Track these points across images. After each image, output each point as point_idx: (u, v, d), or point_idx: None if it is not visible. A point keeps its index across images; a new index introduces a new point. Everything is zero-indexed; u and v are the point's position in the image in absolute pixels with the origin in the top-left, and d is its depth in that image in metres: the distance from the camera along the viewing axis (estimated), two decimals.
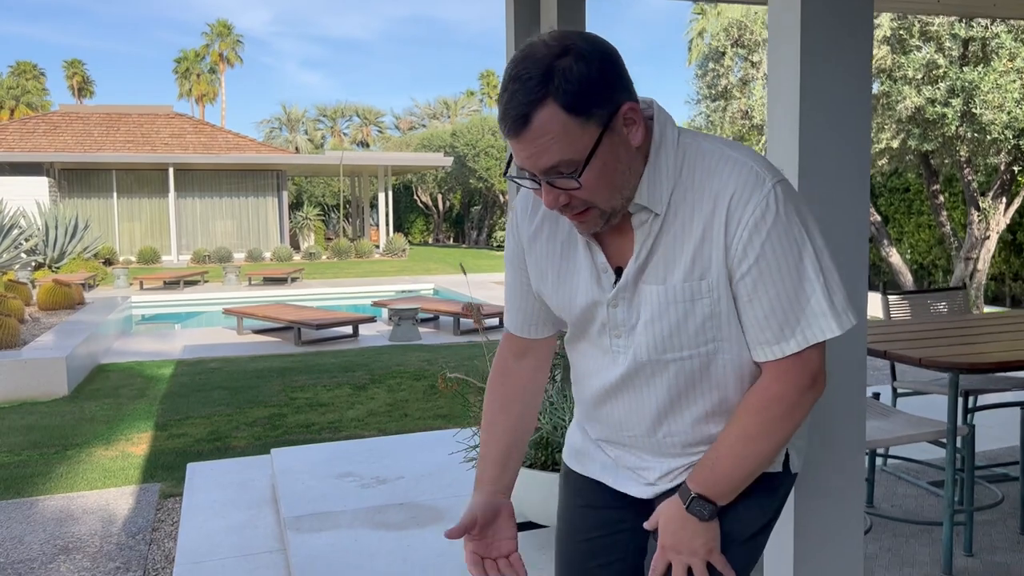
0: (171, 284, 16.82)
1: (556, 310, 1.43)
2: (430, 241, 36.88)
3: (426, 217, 37.86)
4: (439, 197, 35.47)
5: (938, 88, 9.22)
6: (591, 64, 1.14)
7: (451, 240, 36.82)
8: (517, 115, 1.14)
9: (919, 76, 9.25)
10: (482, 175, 28.15)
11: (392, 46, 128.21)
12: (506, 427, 1.51)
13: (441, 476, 3.86)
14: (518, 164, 1.21)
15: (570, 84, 1.13)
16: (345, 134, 52.35)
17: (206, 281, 17.72)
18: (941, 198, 11.20)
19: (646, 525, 1.39)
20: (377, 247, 24.64)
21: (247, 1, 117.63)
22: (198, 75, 50.95)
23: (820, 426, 2.00)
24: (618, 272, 1.31)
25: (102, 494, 4.46)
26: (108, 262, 19.92)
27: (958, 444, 2.87)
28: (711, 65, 10.71)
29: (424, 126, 46.86)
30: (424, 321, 11.12)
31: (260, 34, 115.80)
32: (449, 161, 24.90)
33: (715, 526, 1.33)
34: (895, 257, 11.81)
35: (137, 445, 5.39)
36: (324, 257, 22.94)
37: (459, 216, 36.30)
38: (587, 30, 3.32)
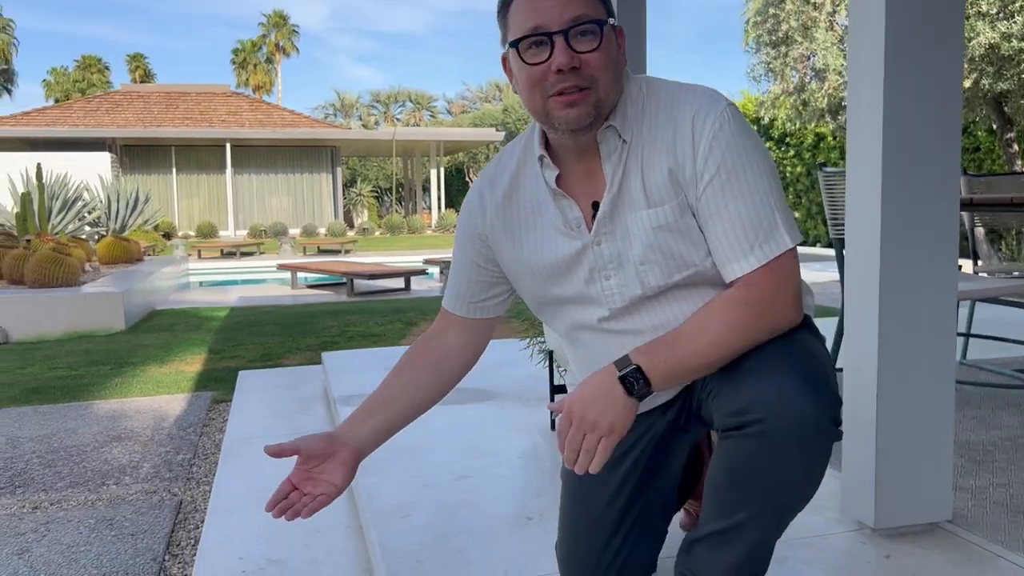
0: (228, 254, 17.06)
1: (537, 280, 1.37)
2: None
3: None
4: None
5: (1015, 22, 8.75)
6: None
7: None
8: None
9: (994, 10, 8.80)
10: None
11: (443, 39, 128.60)
12: (397, 383, 1.44)
13: (495, 369, 3.76)
14: (533, 27, 1.20)
15: None
16: (398, 119, 52.65)
17: (262, 252, 17.94)
18: (1015, 147, 10.67)
19: (550, 406, 1.27)
20: (430, 226, 24.69)
21: None
22: (255, 65, 51.70)
23: (909, 265, 1.79)
24: (595, 207, 1.29)
25: (155, 399, 4.46)
26: (167, 236, 20.29)
27: None
28: (771, 11, 10.35)
29: (477, 109, 46.83)
30: None
31: (316, 30, 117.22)
32: (501, 136, 24.79)
33: (634, 409, 1.20)
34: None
35: (190, 365, 5.40)
36: (377, 233, 23.05)
37: None
38: (647, 20, 3.16)
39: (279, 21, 51.92)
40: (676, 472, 1.50)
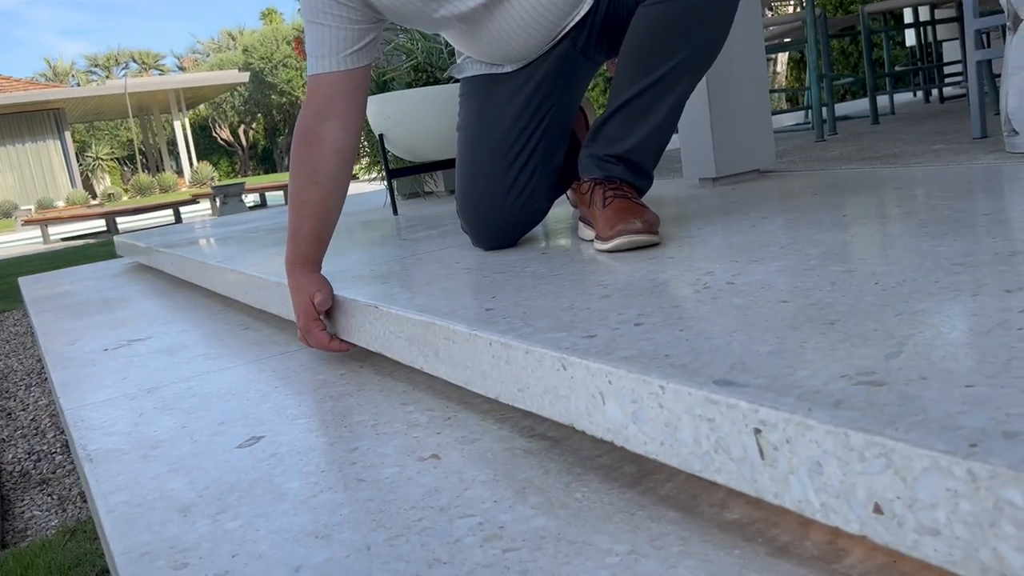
0: None
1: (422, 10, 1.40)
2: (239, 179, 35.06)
3: (230, 156, 35.85)
4: (240, 130, 33.60)
5: None
6: None
7: (263, 175, 35.14)
8: None
9: None
10: (283, 88, 26.83)
11: (162, 3, 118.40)
12: (318, 199, 1.36)
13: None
14: None
15: None
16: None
17: None
18: None
19: None
20: (185, 186, 23.10)
21: None
22: None
23: None
24: None
25: None
26: None
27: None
28: None
29: (211, 60, 43.93)
30: (253, 209, 10.59)
31: (7, 4, 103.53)
32: (246, 77, 23.48)
33: None
34: None
35: None
36: (125, 197, 21.26)
37: (266, 150, 34.60)
38: None
39: None
40: (575, 101, 1.56)
